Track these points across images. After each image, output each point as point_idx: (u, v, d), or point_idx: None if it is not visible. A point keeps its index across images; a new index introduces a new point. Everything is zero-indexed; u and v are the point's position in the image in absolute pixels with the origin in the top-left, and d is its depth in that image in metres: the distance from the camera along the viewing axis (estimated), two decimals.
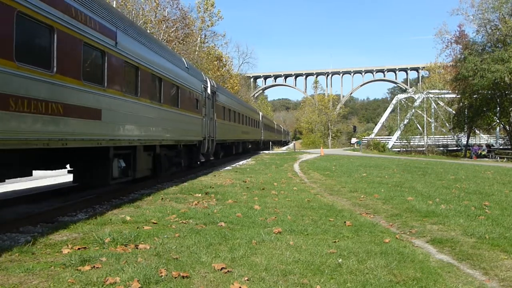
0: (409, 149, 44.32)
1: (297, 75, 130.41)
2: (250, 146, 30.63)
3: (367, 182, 11.91)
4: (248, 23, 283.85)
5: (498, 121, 38.10)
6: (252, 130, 30.60)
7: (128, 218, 6.21)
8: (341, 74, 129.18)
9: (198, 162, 15.52)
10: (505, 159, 31.99)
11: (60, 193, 9.02)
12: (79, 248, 4.56)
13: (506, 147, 38.02)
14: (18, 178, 7.84)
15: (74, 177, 8.08)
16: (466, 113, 37.28)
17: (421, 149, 43.97)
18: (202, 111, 14.74)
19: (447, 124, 46.92)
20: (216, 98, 17.11)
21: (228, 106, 20.42)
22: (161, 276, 3.68)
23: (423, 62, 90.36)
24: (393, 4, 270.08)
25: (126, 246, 4.66)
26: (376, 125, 57.55)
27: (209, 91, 15.96)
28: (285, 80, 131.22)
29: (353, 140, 57.89)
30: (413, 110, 46.85)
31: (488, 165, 23.62)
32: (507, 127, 35.98)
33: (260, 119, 36.36)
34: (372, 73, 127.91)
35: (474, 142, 44.16)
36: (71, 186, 9.42)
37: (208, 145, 15.54)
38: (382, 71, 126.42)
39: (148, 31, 30.24)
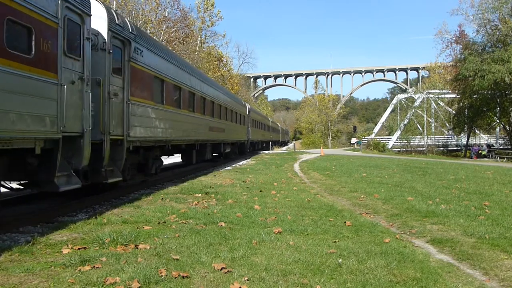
0: (409, 149, 44.31)
1: (297, 75, 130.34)
2: (228, 150, 21.58)
3: (367, 182, 11.91)
4: (248, 23, 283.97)
5: (498, 121, 38.13)
6: (232, 128, 21.58)
7: (128, 217, 6.22)
8: (341, 74, 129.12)
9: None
10: (505, 159, 32.00)
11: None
12: (79, 248, 4.56)
13: (506, 147, 38.05)
14: None
15: None
16: (466, 113, 37.31)
17: (421, 149, 43.97)
18: (60, 67, 6.17)
19: (447, 124, 46.94)
20: (133, 56, 8.90)
21: (171, 80, 11.46)
22: (161, 276, 3.68)
23: (423, 62, 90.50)
24: (393, 4, 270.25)
25: (126, 246, 4.66)
26: (376, 125, 57.57)
27: (101, 28, 7.82)
28: (285, 80, 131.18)
29: (353, 140, 57.98)
30: (413, 110, 46.86)
31: (488, 165, 23.61)
32: (507, 127, 36.01)
33: (247, 112, 27.87)
34: (372, 73, 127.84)
35: (474, 142, 44.18)
36: None
37: (82, 152, 6.82)
38: (382, 71, 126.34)
39: (148, 31, 30.31)
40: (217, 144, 18.70)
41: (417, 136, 47.26)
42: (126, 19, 9.43)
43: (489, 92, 32.85)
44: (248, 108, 28.97)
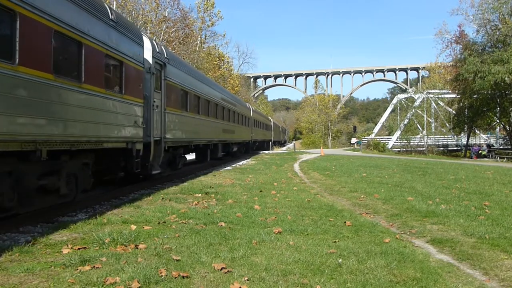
0: (409, 149, 44.27)
1: (297, 75, 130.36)
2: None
3: (367, 182, 11.90)
4: (248, 23, 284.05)
5: (498, 121, 38.11)
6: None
7: (127, 217, 6.22)
8: (341, 74, 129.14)
9: None
10: (505, 159, 31.99)
11: None
12: (79, 248, 4.56)
13: (506, 147, 38.03)
14: None
15: None
16: (466, 113, 37.28)
17: (421, 149, 43.94)
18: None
19: (447, 124, 46.91)
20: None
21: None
22: (161, 276, 3.68)
23: (423, 62, 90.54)
24: (393, 4, 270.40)
25: (126, 246, 4.66)
26: (376, 125, 57.52)
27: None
28: (285, 80, 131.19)
29: (353, 140, 57.97)
30: (413, 110, 46.84)
31: (488, 165, 23.61)
32: (507, 127, 35.99)
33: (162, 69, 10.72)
34: (372, 73, 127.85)
35: (474, 142, 44.16)
36: None
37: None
38: (382, 71, 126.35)
39: (148, 31, 30.31)
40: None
41: (417, 136, 47.23)
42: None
43: (489, 92, 32.80)
44: (164, 55, 11.05)
